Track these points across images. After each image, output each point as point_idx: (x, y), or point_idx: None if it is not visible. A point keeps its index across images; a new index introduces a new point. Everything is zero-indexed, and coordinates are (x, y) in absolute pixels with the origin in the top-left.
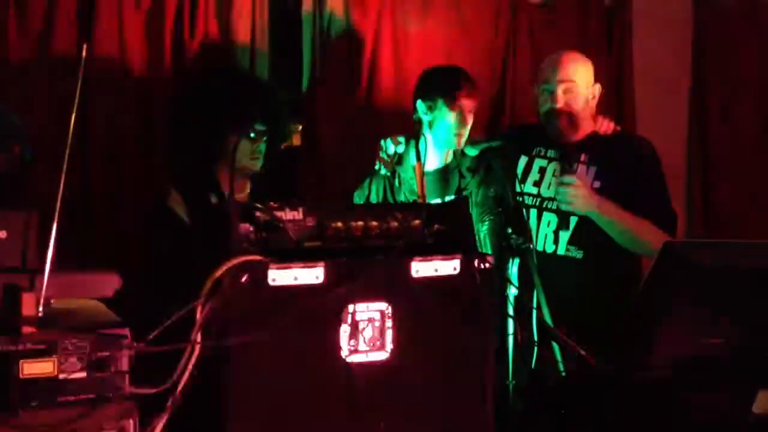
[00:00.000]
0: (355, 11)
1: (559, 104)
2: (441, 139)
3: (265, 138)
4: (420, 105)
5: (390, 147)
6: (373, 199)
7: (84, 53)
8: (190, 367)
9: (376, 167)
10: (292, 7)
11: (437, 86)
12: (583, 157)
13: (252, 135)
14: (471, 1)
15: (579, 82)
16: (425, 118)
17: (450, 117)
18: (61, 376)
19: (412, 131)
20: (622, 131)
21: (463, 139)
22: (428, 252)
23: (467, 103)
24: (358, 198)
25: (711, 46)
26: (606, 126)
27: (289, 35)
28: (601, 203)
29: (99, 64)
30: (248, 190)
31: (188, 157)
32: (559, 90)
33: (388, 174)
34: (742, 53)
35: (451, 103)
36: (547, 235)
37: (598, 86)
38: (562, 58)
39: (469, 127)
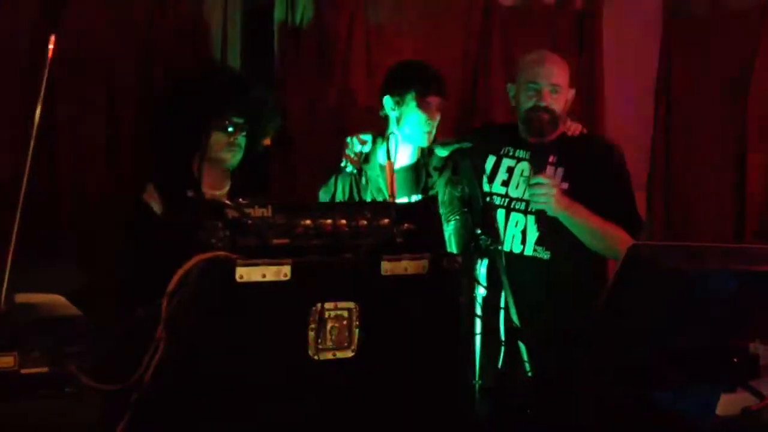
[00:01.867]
0: (328, 9)
1: (545, 102)
2: (408, 135)
3: (244, 132)
4: (387, 100)
5: (356, 145)
6: (339, 197)
7: (51, 45)
8: (154, 363)
9: (342, 164)
10: (264, 1)
11: (406, 81)
12: (551, 158)
13: (230, 128)
14: (443, 1)
15: (563, 84)
16: (393, 114)
17: (418, 113)
18: (23, 370)
19: (381, 128)
20: (589, 133)
21: (431, 136)
22: (397, 251)
23: (435, 100)
24: (324, 195)
25: (679, 51)
26: (573, 128)
27: (260, 31)
28: (570, 205)
29: (65, 56)
30: (228, 187)
31: (165, 151)
32: (546, 89)
33: (355, 172)
34: (710, 58)
35: (420, 98)
36: (514, 236)
37: (573, 91)
38: (549, 58)
39: (436, 123)
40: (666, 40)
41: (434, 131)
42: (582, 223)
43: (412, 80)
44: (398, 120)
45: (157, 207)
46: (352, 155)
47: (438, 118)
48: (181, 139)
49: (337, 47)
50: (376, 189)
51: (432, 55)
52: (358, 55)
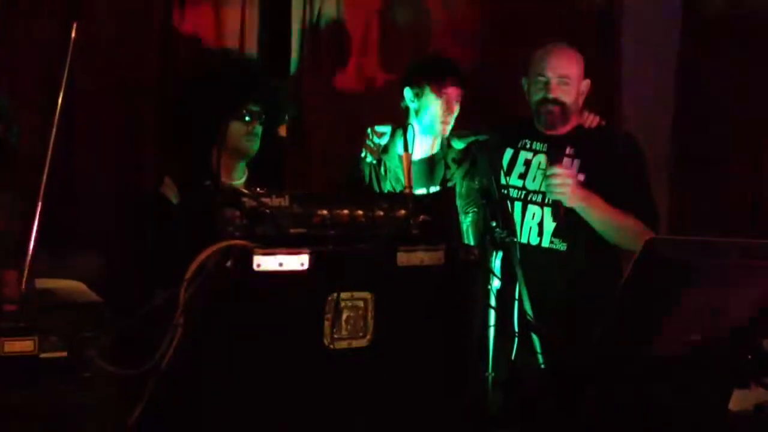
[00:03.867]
0: (346, 6)
1: (554, 94)
2: (427, 126)
3: (261, 120)
4: (407, 92)
5: (375, 136)
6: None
7: (73, 33)
8: (171, 349)
9: (363, 155)
10: None
11: (425, 73)
12: (568, 150)
13: (246, 117)
14: None
15: (572, 75)
16: (412, 106)
17: (436, 104)
18: (42, 355)
19: (400, 120)
20: (607, 125)
21: (449, 128)
22: (413, 242)
23: (454, 91)
24: (353, 179)
25: (700, 43)
26: (591, 120)
27: (279, 23)
28: (587, 196)
29: (87, 45)
30: (245, 178)
31: (182, 143)
32: (554, 82)
33: (374, 162)
34: (731, 51)
35: (438, 90)
36: (531, 228)
37: (587, 82)
38: (557, 51)
39: (455, 115)
40: (686, 32)
41: (453, 122)
42: (598, 215)
43: (429, 71)
44: (417, 111)
45: (174, 199)
46: (372, 146)
47: (457, 109)
48: (198, 131)
49: (354, 41)
50: (394, 179)
51: (448, 49)
52: (375, 49)
